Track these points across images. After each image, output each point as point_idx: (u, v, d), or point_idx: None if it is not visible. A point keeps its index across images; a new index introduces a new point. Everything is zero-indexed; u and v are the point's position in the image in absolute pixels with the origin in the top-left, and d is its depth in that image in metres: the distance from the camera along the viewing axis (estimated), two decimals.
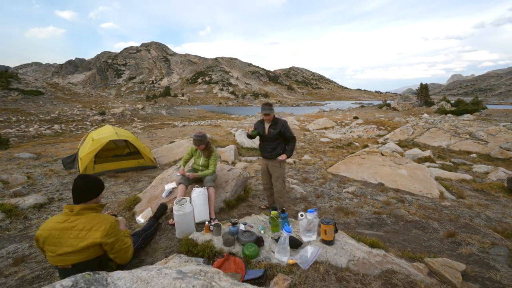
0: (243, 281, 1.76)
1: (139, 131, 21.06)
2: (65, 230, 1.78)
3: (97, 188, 1.97)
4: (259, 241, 2.34)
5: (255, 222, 2.80)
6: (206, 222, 2.64)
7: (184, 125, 25.63)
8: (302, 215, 2.48)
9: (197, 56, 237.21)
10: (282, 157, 3.49)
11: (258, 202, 4.45)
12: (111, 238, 1.84)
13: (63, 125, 23.20)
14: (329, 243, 2.32)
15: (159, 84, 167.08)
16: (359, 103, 68.06)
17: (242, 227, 2.55)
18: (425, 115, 26.78)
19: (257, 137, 3.71)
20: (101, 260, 1.94)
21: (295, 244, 2.29)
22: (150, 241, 2.80)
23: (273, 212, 2.53)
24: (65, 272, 1.81)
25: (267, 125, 3.57)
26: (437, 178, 6.14)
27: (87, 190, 1.90)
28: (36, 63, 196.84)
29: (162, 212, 3.24)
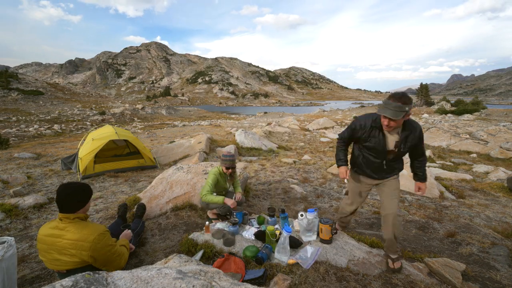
0: (243, 281, 1.76)
1: (139, 131, 21.06)
2: (54, 237, 1.70)
3: (83, 196, 1.80)
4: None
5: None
6: (207, 223, 2.64)
7: (184, 125, 25.64)
8: (302, 215, 2.48)
9: (197, 56, 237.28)
10: (421, 189, 2.27)
11: (258, 202, 4.45)
12: (98, 252, 1.72)
13: (63, 125, 23.20)
14: (327, 242, 2.33)
15: (159, 84, 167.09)
16: (359, 103, 68.06)
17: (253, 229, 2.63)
18: (425, 115, 26.79)
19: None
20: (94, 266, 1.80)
21: (295, 244, 2.29)
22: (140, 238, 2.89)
23: (269, 228, 2.32)
24: (61, 276, 1.77)
25: (391, 137, 2.07)
26: (437, 178, 6.14)
27: (72, 199, 1.75)
28: (36, 63, 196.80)
29: (143, 211, 3.30)
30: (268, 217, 2.75)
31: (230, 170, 3.17)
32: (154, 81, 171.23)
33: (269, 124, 20.68)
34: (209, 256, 2.23)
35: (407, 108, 1.84)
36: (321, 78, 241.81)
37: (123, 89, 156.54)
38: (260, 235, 2.41)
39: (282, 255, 2.13)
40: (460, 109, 28.19)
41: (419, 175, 2.26)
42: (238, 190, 3.41)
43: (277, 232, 2.41)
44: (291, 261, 2.12)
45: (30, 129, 19.85)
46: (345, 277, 1.93)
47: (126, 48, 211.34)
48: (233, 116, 43.45)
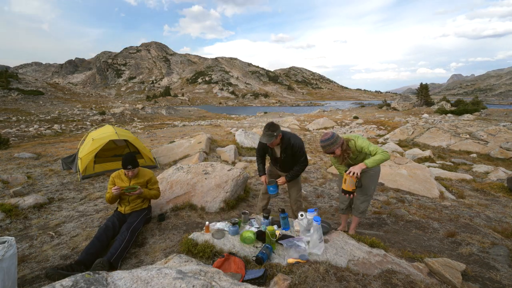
0: (243, 281, 1.76)
1: (139, 131, 21.06)
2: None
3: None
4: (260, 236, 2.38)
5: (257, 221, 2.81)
6: (207, 223, 2.64)
7: (184, 125, 25.63)
8: (302, 215, 2.48)
9: (197, 56, 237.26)
10: (281, 180, 3.09)
11: (258, 202, 4.45)
12: (154, 178, 3.32)
13: (63, 125, 23.20)
14: (349, 193, 2.49)
15: (159, 84, 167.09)
16: (359, 103, 68.02)
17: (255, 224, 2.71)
18: (425, 115, 26.76)
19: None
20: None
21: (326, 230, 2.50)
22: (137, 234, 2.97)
23: (269, 228, 2.34)
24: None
25: (277, 150, 3.07)
26: (437, 178, 6.14)
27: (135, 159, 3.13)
28: (36, 63, 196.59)
29: None
30: (262, 218, 2.72)
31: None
32: (154, 81, 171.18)
33: None
34: (209, 256, 2.23)
35: (275, 134, 2.79)
36: (321, 78, 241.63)
37: (123, 89, 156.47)
38: (260, 235, 2.41)
39: (316, 249, 2.22)
40: (460, 109, 28.15)
41: (288, 175, 3.11)
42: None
43: (277, 233, 2.40)
44: (291, 260, 2.12)
45: (30, 129, 19.84)
46: (345, 277, 1.93)
47: (126, 48, 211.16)
48: (233, 116, 43.42)
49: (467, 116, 24.47)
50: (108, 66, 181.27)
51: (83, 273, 1.19)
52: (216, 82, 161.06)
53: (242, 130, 12.18)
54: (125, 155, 3.09)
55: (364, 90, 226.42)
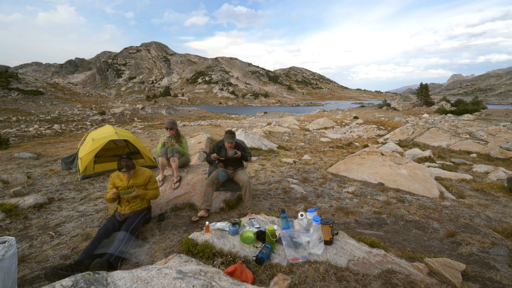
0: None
1: (139, 131, 21.06)
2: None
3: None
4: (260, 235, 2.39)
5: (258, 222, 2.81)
6: (207, 223, 2.64)
7: (184, 125, 25.64)
8: (302, 215, 2.49)
9: (197, 56, 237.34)
10: (238, 154, 3.82)
11: (258, 202, 4.45)
12: (153, 178, 3.30)
13: (63, 125, 23.20)
14: (327, 242, 2.32)
15: (159, 84, 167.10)
16: (359, 103, 68.02)
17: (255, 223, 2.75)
18: (425, 115, 26.76)
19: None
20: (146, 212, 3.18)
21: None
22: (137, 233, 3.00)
23: (269, 228, 2.35)
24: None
25: (230, 151, 3.85)
26: (437, 178, 6.14)
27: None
28: (36, 63, 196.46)
29: None
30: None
31: (172, 132, 4.22)
32: (154, 81, 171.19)
33: (269, 124, 20.68)
34: (209, 256, 2.23)
35: (235, 135, 3.76)
36: (321, 78, 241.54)
37: (123, 89, 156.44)
38: (260, 235, 2.42)
39: (316, 248, 2.21)
40: (460, 109, 28.15)
41: (244, 154, 3.90)
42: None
43: (277, 233, 2.40)
44: (291, 260, 2.12)
45: (30, 129, 19.85)
46: (345, 277, 1.93)
47: (126, 48, 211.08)
48: (233, 116, 43.45)
49: (467, 116, 24.47)
50: (108, 66, 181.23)
51: (83, 273, 1.19)
52: (216, 82, 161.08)
53: (242, 130, 12.17)
54: (120, 157, 3.11)
55: (364, 90, 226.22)
